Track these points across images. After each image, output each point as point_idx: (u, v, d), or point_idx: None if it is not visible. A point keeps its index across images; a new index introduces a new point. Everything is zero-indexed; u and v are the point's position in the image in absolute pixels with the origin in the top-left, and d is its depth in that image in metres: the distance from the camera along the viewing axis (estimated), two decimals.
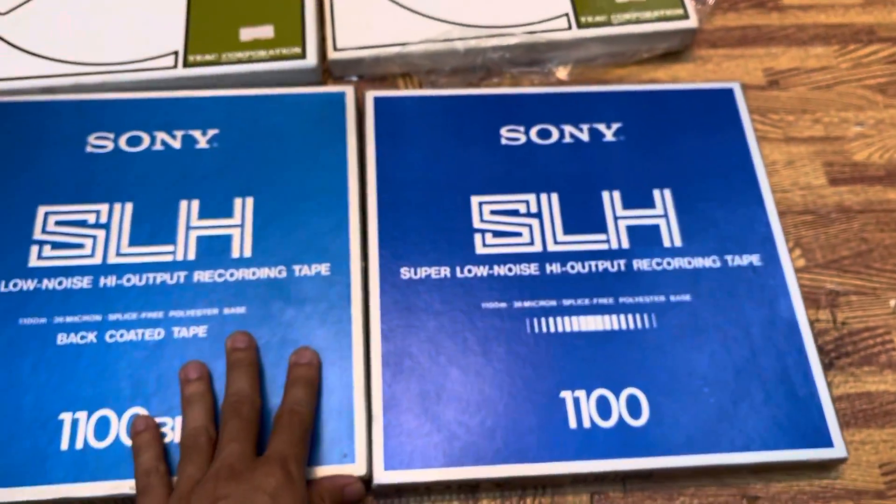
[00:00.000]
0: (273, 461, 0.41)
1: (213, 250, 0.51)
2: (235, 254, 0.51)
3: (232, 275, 0.51)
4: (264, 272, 0.51)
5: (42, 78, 0.58)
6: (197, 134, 0.55)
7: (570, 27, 0.62)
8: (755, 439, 0.47)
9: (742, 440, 0.47)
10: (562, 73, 0.63)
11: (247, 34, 0.61)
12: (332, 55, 0.61)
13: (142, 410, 0.46)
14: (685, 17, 0.62)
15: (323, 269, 0.51)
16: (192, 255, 0.51)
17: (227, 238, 0.52)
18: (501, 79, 0.62)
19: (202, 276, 0.50)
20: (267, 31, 0.61)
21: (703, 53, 0.64)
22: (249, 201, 0.53)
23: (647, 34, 0.62)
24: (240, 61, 0.59)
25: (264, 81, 0.60)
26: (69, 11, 0.61)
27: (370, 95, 0.58)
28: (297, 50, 0.60)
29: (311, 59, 0.60)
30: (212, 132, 0.56)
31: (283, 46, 0.60)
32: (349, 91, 0.58)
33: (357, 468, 0.45)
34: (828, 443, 0.47)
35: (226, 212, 0.53)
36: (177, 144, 0.55)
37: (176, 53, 0.59)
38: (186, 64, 0.59)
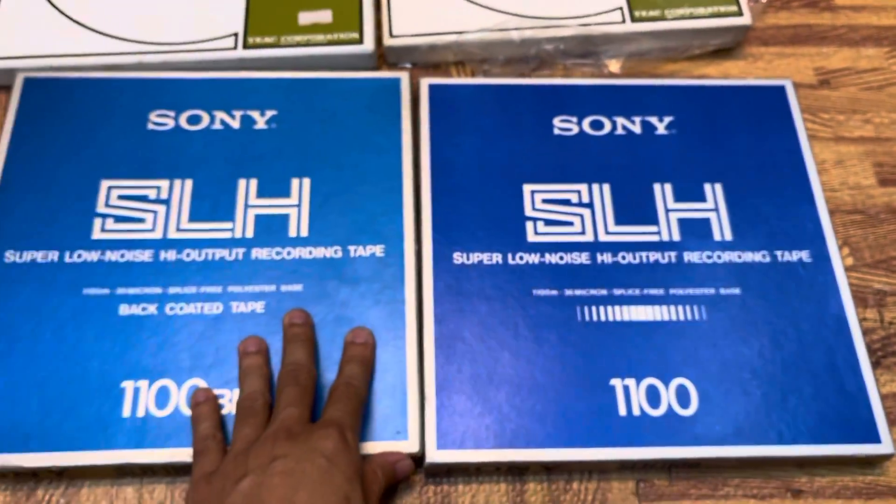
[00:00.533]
0: (330, 425, 0.42)
1: (271, 229, 0.52)
2: (292, 233, 0.52)
3: (289, 253, 0.51)
4: (320, 251, 0.51)
5: (105, 55, 0.59)
6: (255, 114, 0.56)
7: (623, 20, 0.62)
8: (802, 432, 0.47)
9: (789, 433, 0.47)
10: (614, 65, 0.63)
11: (305, 18, 0.61)
12: (387, 41, 0.61)
13: (201, 382, 0.47)
14: (739, 13, 0.62)
15: (377, 250, 0.52)
16: (250, 233, 0.52)
17: (285, 217, 0.53)
18: (554, 70, 0.63)
19: (260, 253, 0.51)
20: (325, 16, 0.61)
21: (754, 51, 0.64)
22: (306, 182, 0.54)
23: (700, 30, 0.62)
24: (298, 45, 0.60)
25: (321, 65, 0.60)
26: None
27: (425, 82, 0.58)
28: (355, 35, 0.61)
29: (368, 45, 0.60)
30: (270, 113, 0.56)
31: (341, 31, 0.61)
32: (404, 77, 0.58)
33: (410, 445, 0.46)
34: (875, 438, 0.47)
35: (283, 191, 0.53)
36: (235, 124, 0.56)
37: (236, 35, 0.60)
38: (246, 46, 0.60)
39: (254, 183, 0.54)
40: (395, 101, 0.57)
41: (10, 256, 0.50)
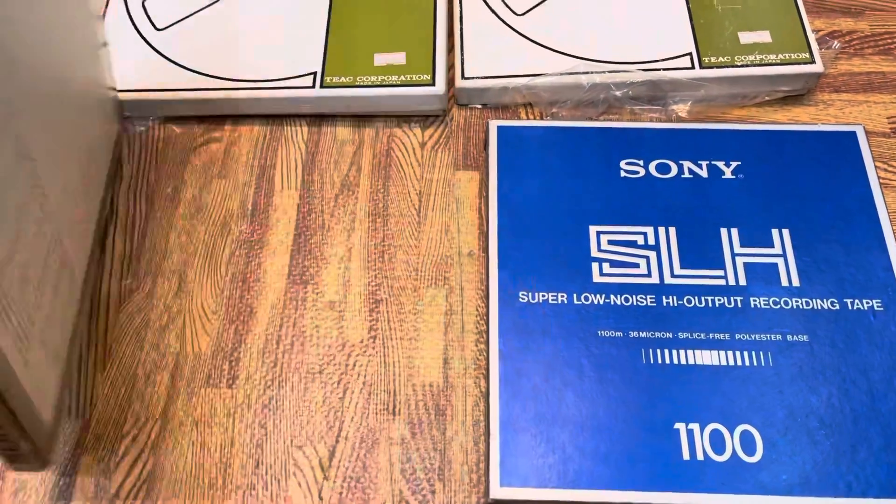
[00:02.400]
0: None
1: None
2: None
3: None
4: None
5: (197, 91, 0.62)
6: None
7: (692, 66, 0.62)
8: (872, 485, 0.45)
9: (858, 486, 0.45)
10: (682, 110, 0.63)
11: (381, 59, 0.62)
12: (459, 83, 0.62)
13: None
14: (811, 60, 0.61)
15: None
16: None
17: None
18: (621, 114, 0.63)
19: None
20: (399, 58, 0.62)
21: (825, 97, 0.63)
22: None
23: (770, 76, 0.62)
24: (372, 84, 0.61)
25: (394, 105, 0.61)
26: (216, 34, 0.65)
27: (494, 124, 0.59)
28: (427, 77, 0.61)
29: (440, 87, 0.61)
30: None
31: (414, 73, 0.62)
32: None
33: None
34: None
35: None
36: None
37: (314, 74, 0.62)
38: (323, 85, 0.61)
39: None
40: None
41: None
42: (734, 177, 0.56)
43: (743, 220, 0.54)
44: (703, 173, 0.56)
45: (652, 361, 0.49)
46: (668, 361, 0.49)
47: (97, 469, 0.49)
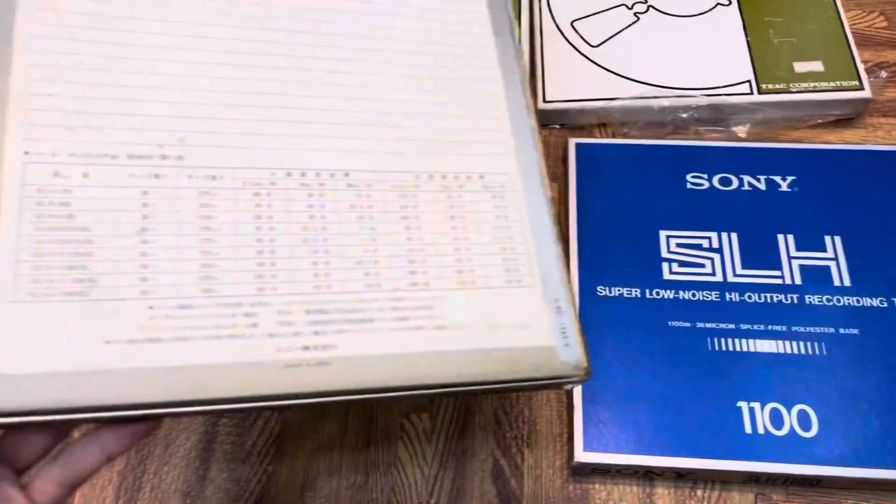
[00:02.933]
0: None
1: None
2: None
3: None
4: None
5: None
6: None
7: (751, 92, 0.68)
8: None
9: None
10: (741, 131, 0.69)
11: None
12: (540, 105, 0.69)
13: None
14: (860, 87, 0.67)
15: None
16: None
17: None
18: (686, 134, 0.69)
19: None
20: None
21: (874, 121, 0.69)
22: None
23: (823, 101, 0.67)
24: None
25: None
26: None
27: (572, 142, 0.66)
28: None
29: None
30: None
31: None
32: None
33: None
34: None
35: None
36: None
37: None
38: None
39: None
40: None
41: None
42: (790, 189, 0.62)
43: (798, 228, 0.60)
44: (762, 186, 0.62)
45: (717, 348, 0.55)
46: (731, 349, 0.55)
47: (234, 429, 0.56)
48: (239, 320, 0.36)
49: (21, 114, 0.37)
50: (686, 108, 0.68)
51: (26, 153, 0.36)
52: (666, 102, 0.68)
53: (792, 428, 0.52)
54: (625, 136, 0.69)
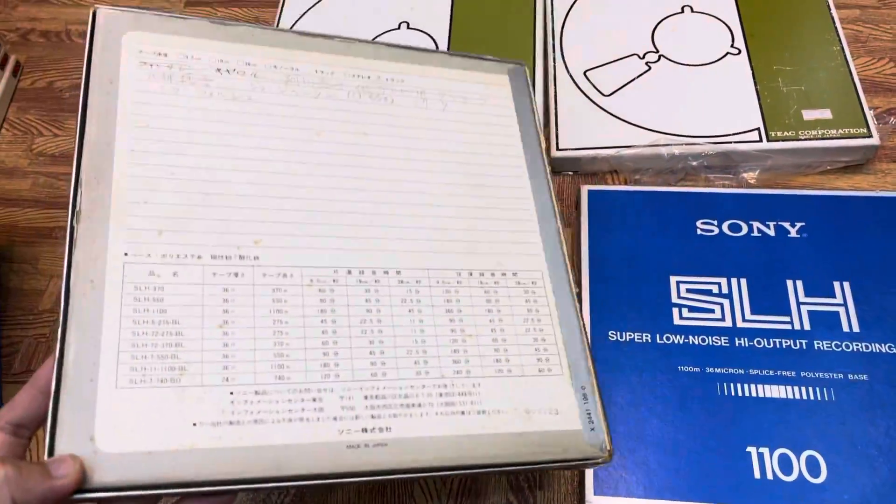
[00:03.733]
0: None
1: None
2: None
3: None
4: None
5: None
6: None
7: (760, 140, 0.69)
8: None
9: None
10: (751, 178, 0.70)
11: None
12: (554, 153, 0.70)
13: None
14: (868, 135, 0.68)
15: None
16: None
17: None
18: (697, 181, 0.70)
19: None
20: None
21: (883, 167, 0.69)
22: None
23: (831, 149, 0.68)
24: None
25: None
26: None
27: (585, 189, 0.67)
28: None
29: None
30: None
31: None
32: None
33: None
34: None
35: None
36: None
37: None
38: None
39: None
40: None
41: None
42: (799, 236, 0.63)
43: (807, 274, 0.60)
44: (771, 232, 0.63)
45: (726, 393, 0.56)
46: (740, 394, 0.56)
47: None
48: (307, 405, 0.41)
49: (121, 220, 0.42)
50: (696, 156, 0.69)
51: (125, 254, 0.41)
52: (676, 150, 0.69)
53: (801, 474, 0.52)
54: (636, 182, 0.70)
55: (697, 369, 0.57)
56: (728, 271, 0.61)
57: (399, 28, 0.80)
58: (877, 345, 0.57)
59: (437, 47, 0.78)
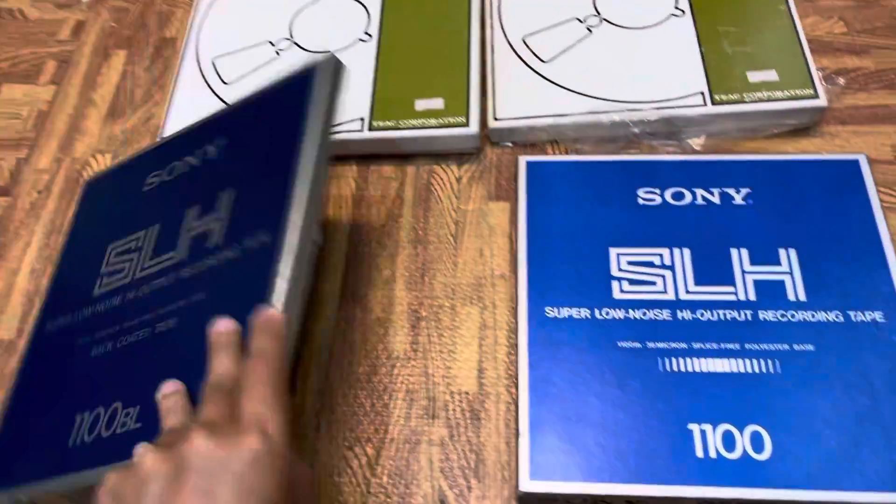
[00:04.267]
0: (248, 430, 0.38)
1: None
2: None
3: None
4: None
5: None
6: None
7: (704, 104, 0.66)
8: (875, 481, 0.48)
9: (862, 481, 0.48)
10: (696, 144, 0.67)
11: (421, 105, 0.68)
12: (492, 124, 0.67)
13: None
14: (815, 96, 0.65)
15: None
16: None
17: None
18: (640, 149, 0.67)
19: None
20: (438, 103, 0.68)
21: (831, 130, 0.67)
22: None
23: (778, 111, 0.65)
24: (414, 127, 0.67)
25: (433, 145, 0.67)
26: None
27: (523, 160, 0.64)
28: (462, 119, 0.67)
29: (474, 128, 0.66)
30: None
31: (451, 116, 0.67)
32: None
33: None
34: None
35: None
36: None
37: (362, 119, 0.67)
38: (371, 128, 0.67)
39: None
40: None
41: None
42: (744, 202, 0.60)
43: (752, 242, 0.58)
44: (716, 200, 0.60)
45: (668, 369, 0.53)
46: (682, 369, 0.53)
47: None
48: None
49: None
50: (638, 123, 0.66)
51: None
52: (617, 117, 0.66)
53: (745, 451, 0.50)
54: (577, 152, 0.67)
55: (638, 345, 0.54)
56: (671, 241, 0.59)
57: None
58: (823, 313, 0.55)
59: (368, 16, 0.75)
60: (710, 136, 0.67)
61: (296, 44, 0.74)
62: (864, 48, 0.71)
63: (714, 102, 0.66)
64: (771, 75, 0.67)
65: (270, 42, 0.75)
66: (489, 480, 0.53)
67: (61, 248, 0.62)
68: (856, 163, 0.62)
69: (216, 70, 0.73)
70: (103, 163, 0.73)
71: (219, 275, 0.50)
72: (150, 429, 0.45)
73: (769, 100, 0.66)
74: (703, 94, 0.67)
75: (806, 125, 0.67)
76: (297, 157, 0.50)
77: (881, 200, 0.60)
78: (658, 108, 0.66)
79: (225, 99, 0.71)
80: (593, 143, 0.67)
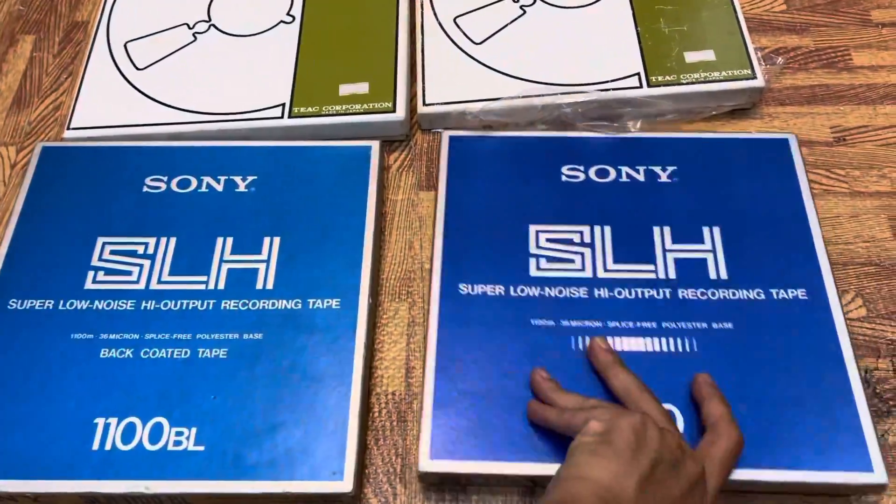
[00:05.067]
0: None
1: (241, 282, 0.58)
2: (259, 286, 0.57)
3: (254, 304, 0.57)
4: (282, 303, 0.57)
5: (170, 125, 0.68)
6: (238, 179, 0.63)
7: (641, 86, 0.67)
8: (795, 460, 0.49)
9: (783, 460, 0.49)
10: (633, 126, 0.67)
11: (345, 90, 0.68)
12: (421, 109, 0.68)
13: (164, 420, 0.52)
14: (753, 76, 0.66)
15: (334, 303, 0.57)
16: (221, 286, 0.58)
17: (254, 272, 0.58)
18: (577, 130, 0.67)
19: (228, 304, 0.57)
20: (363, 88, 0.68)
21: (771, 111, 0.68)
22: (276, 240, 0.60)
23: (715, 92, 0.66)
24: (337, 114, 0.67)
25: (358, 131, 0.67)
26: (195, 69, 0.72)
27: (446, 135, 0.65)
28: (388, 105, 0.67)
29: (400, 113, 0.66)
30: (251, 178, 0.63)
31: (376, 101, 0.67)
32: (375, 146, 0.65)
33: (344, 486, 0.50)
34: (867, 468, 0.48)
35: (255, 248, 0.59)
36: (220, 188, 0.63)
37: (283, 105, 0.68)
38: (291, 115, 0.67)
39: (230, 241, 0.60)
40: (365, 167, 0.63)
41: (13, 304, 0.57)
42: (670, 180, 0.61)
43: (676, 220, 0.59)
44: (640, 177, 0.61)
45: (582, 348, 0.54)
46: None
47: None
48: None
49: None
50: (571, 105, 0.66)
51: None
52: (550, 100, 0.66)
53: None
54: None
55: (552, 323, 0.55)
56: (592, 219, 0.59)
57: None
58: (744, 291, 0.55)
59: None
60: (648, 118, 0.67)
61: (214, 26, 0.75)
62: (804, 26, 0.72)
63: (650, 84, 0.67)
64: (708, 55, 0.68)
65: (187, 24, 0.75)
66: (417, 485, 0.52)
67: (17, 210, 0.62)
68: (785, 142, 0.62)
69: (128, 55, 0.73)
70: (7, 156, 0.71)
71: (277, 318, 0.56)
72: (213, 452, 0.51)
73: (706, 81, 0.67)
74: (639, 75, 0.67)
75: (745, 106, 0.68)
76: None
77: (811, 182, 0.61)
78: (593, 91, 0.66)
79: (137, 86, 0.71)
80: (526, 127, 0.67)
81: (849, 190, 0.63)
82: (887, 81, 0.69)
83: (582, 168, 0.62)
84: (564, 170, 0.62)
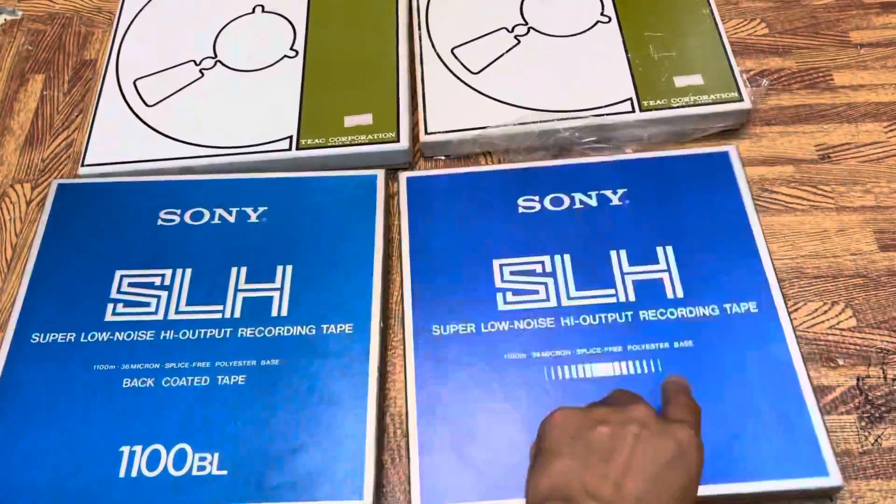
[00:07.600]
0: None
1: (256, 310, 0.66)
2: (274, 313, 0.65)
3: (270, 331, 0.65)
4: (297, 329, 0.65)
5: (180, 159, 0.77)
6: (249, 210, 0.71)
7: (633, 110, 0.76)
8: (752, 470, 0.56)
9: (742, 471, 0.56)
10: (627, 148, 0.76)
11: (350, 121, 0.78)
12: (423, 138, 0.78)
13: (187, 447, 0.60)
14: (739, 99, 0.75)
15: (347, 328, 0.65)
16: (237, 314, 0.65)
17: (269, 300, 0.66)
18: (572, 155, 0.76)
19: (245, 331, 0.65)
20: (367, 119, 0.78)
21: (757, 131, 0.77)
22: (289, 268, 0.68)
23: (705, 115, 0.76)
24: (343, 144, 0.77)
25: (363, 161, 0.77)
26: (204, 104, 0.82)
27: (403, 176, 0.73)
28: (392, 135, 0.77)
29: (404, 143, 0.76)
30: (262, 209, 0.71)
31: (380, 132, 0.77)
32: (380, 174, 0.73)
33: None
34: (823, 472, 0.56)
35: (269, 277, 0.67)
36: (232, 219, 0.71)
37: (290, 138, 0.78)
38: (299, 147, 0.77)
39: (244, 270, 0.68)
40: (372, 195, 0.72)
41: (36, 338, 0.64)
42: (621, 203, 0.69)
43: (630, 242, 0.67)
44: (593, 202, 0.70)
45: (554, 378, 0.62)
46: (568, 377, 0.62)
47: None
48: None
49: None
50: (567, 130, 0.76)
51: None
52: (545, 125, 0.76)
53: None
54: (510, 161, 0.76)
55: (524, 355, 0.63)
56: (551, 248, 0.68)
57: (253, 12, 0.89)
58: (700, 308, 0.64)
59: (294, 31, 0.86)
60: (641, 141, 0.77)
61: (220, 62, 0.85)
62: (787, 49, 0.81)
63: (642, 108, 0.77)
64: (697, 80, 0.78)
65: (194, 61, 0.85)
66: None
67: (35, 246, 0.70)
68: (725, 154, 0.71)
69: (138, 92, 0.82)
70: (23, 193, 0.79)
71: (292, 344, 0.64)
72: (237, 476, 0.58)
73: (695, 104, 0.76)
74: (631, 100, 0.77)
75: (733, 127, 0.77)
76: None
77: (800, 198, 0.70)
78: (586, 116, 0.76)
79: (147, 122, 0.79)
80: (524, 152, 0.77)
81: (835, 205, 0.72)
82: (867, 100, 0.78)
83: (537, 198, 0.70)
84: (520, 201, 0.70)
